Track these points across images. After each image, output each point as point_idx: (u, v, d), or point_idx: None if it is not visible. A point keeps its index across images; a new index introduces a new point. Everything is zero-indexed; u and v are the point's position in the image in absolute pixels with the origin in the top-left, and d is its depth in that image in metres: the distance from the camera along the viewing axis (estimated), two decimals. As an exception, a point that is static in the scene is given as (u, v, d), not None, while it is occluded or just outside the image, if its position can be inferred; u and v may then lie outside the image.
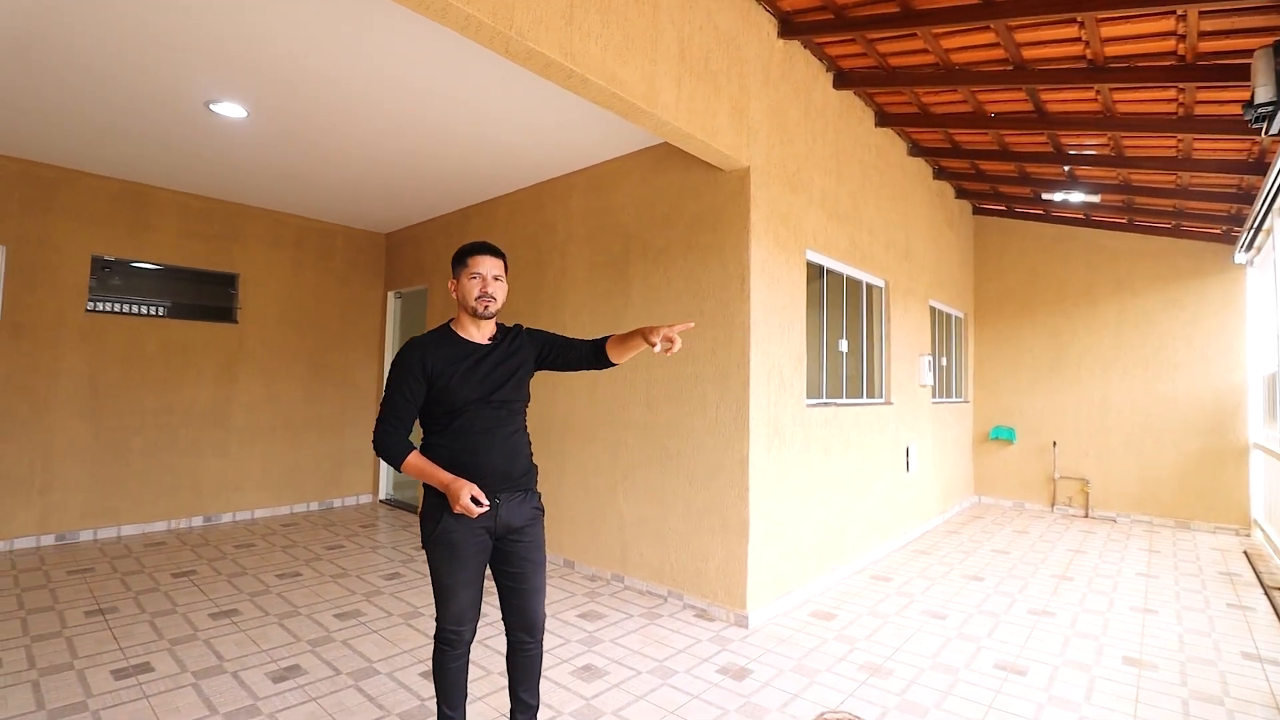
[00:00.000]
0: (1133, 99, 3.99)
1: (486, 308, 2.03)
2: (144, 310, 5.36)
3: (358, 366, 6.77)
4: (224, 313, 5.82)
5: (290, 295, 6.24)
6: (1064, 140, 4.78)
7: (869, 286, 5.10)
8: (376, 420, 1.98)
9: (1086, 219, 6.60)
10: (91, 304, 5.08)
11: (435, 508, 1.97)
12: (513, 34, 2.37)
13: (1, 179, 4.68)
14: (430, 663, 2.53)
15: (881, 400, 5.17)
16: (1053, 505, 6.82)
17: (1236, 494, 5.84)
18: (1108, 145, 4.69)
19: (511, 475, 2.03)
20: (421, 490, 2.04)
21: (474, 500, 1.87)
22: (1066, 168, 5.29)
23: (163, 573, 4.24)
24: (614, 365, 2.20)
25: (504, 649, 2.66)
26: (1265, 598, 4.09)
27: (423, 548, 2.03)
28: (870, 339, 5.16)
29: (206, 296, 5.74)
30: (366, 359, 6.86)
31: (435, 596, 2.04)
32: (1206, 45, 3.29)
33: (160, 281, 5.48)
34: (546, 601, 3.88)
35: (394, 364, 2.00)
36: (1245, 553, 5.17)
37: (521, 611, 2.07)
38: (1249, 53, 3.17)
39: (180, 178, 5.16)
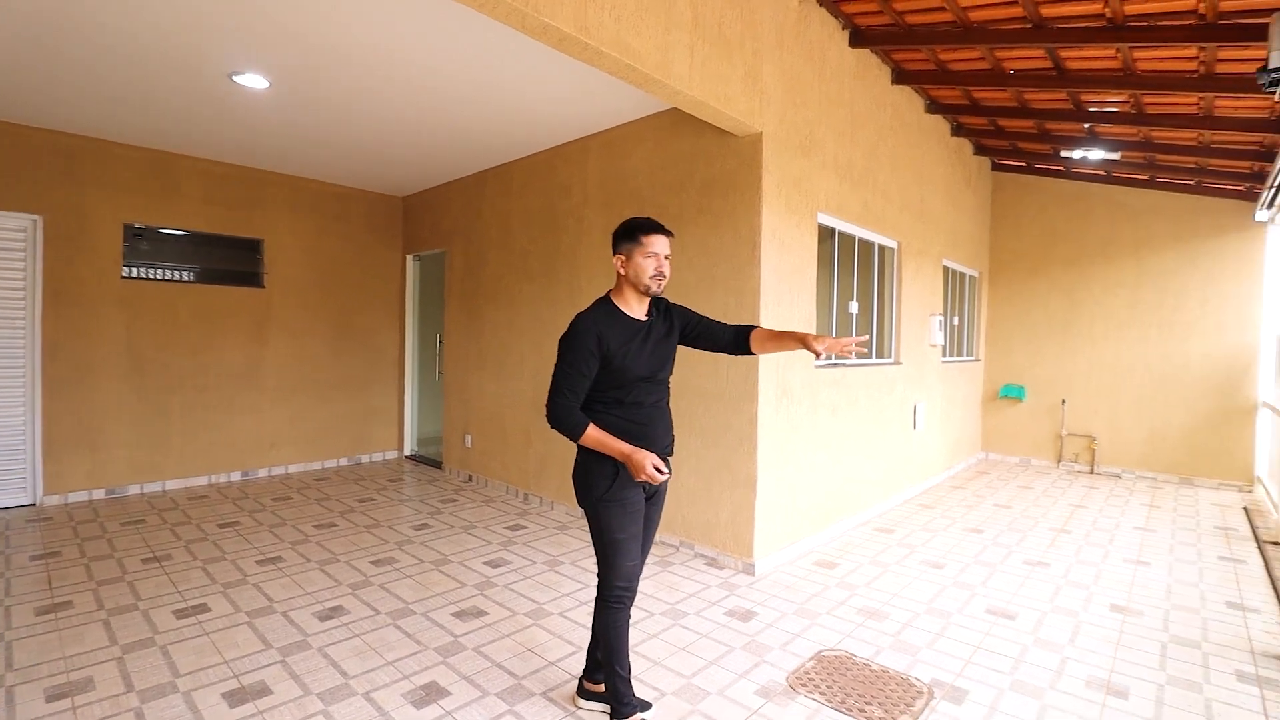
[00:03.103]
0: (1153, 57, 3.94)
1: (660, 286, 2.12)
2: (175, 276, 5.56)
3: (380, 328, 6.97)
4: (251, 277, 6.00)
5: (313, 260, 6.40)
6: (1084, 98, 4.72)
7: (881, 247, 5.14)
8: (550, 394, 2.04)
9: (1108, 175, 6.51)
10: (126, 270, 5.28)
11: (604, 472, 2.07)
12: (528, 10, 2.42)
13: (29, 149, 4.81)
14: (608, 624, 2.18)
15: (891, 360, 5.28)
16: (1059, 461, 6.96)
17: (1241, 452, 5.93)
18: (1129, 103, 4.62)
19: (668, 442, 2.19)
20: (579, 455, 2.14)
21: (656, 469, 2.01)
22: (1087, 125, 5.23)
23: (208, 524, 4.55)
24: (752, 355, 2.24)
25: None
26: (1258, 551, 4.23)
27: (581, 506, 2.15)
28: (881, 300, 5.23)
29: (233, 261, 5.91)
30: (388, 321, 7.05)
31: (603, 556, 2.13)
32: (1227, 4, 3.24)
33: (189, 248, 5.65)
34: (563, 550, 4.12)
35: (567, 340, 2.05)
36: (1245, 509, 5.29)
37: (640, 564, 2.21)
38: (1271, 11, 3.13)
39: (203, 145, 5.27)
